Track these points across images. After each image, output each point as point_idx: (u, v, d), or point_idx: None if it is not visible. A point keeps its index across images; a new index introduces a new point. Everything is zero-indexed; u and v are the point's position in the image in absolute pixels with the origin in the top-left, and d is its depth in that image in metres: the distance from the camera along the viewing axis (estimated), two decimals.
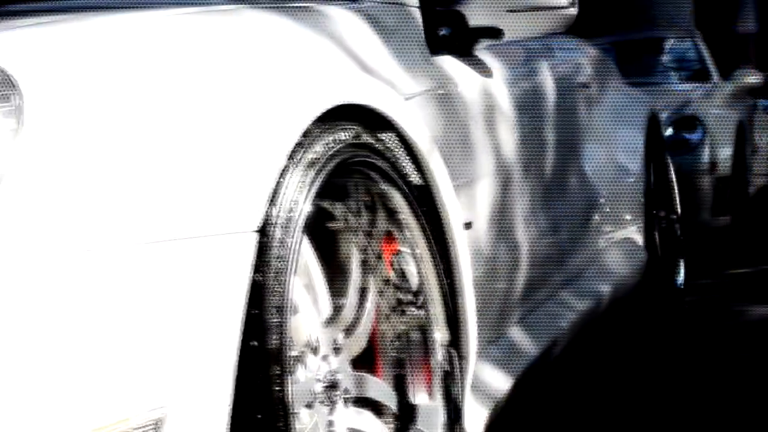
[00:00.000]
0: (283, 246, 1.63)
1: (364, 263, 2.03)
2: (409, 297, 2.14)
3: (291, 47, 1.92)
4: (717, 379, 3.30)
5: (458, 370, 2.16)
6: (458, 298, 2.20)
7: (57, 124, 1.44)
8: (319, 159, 1.75)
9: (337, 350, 1.91)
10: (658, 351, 3.67)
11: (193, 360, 1.48)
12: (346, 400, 1.92)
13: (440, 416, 2.14)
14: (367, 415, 1.99)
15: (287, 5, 2.21)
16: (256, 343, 1.57)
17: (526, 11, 2.75)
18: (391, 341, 2.13)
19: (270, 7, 2.09)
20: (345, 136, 1.85)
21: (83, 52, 1.56)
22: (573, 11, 2.78)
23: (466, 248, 2.23)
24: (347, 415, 1.93)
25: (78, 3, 2.33)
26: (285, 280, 1.62)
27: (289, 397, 1.60)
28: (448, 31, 2.64)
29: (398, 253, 2.12)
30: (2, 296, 1.33)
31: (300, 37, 1.99)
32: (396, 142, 2.05)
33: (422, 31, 2.56)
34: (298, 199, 1.68)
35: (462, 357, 2.20)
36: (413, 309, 2.15)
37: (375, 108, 1.94)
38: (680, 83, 6.89)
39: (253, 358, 1.56)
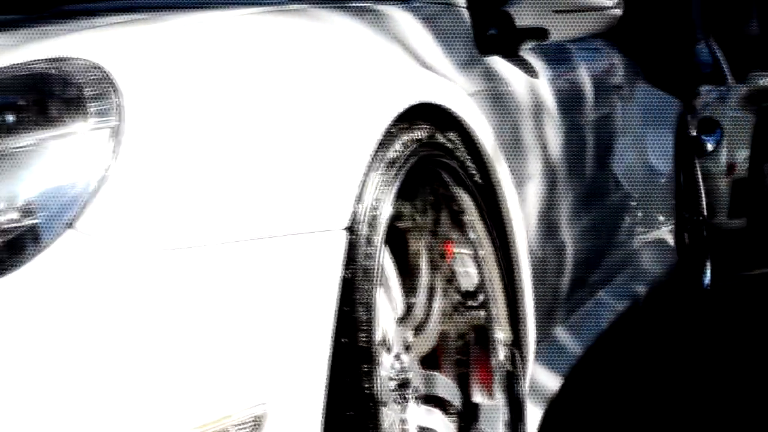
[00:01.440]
0: (370, 243, 1.64)
1: (431, 262, 2.03)
2: (467, 298, 2.15)
3: (364, 46, 1.92)
4: (754, 379, 3.31)
5: (521, 370, 2.16)
6: (519, 299, 2.20)
7: (154, 122, 1.44)
8: (398, 158, 1.76)
9: (407, 348, 1.92)
10: (693, 352, 3.68)
11: (288, 357, 1.49)
12: (416, 399, 1.93)
13: (501, 416, 2.14)
14: (437, 414, 1.99)
15: (348, 5, 2.21)
16: (346, 340, 1.57)
17: (573, 12, 2.75)
18: (453, 340, 2.14)
19: (335, 7, 2.09)
20: (421, 135, 1.85)
21: (176, 51, 1.56)
22: (618, 12, 2.78)
23: (526, 249, 2.24)
24: (418, 413, 1.93)
25: (139, 2, 2.33)
26: (372, 277, 1.62)
27: (378, 393, 1.60)
28: (495, 32, 2.65)
29: (454, 254, 2.13)
30: (105, 296, 1.33)
31: (370, 36, 2.00)
32: (459, 141, 2.06)
33: (471, 32, 2.56)
34: (381, 197, 1.69)
35: (523, 357, 2.20)
36: (471, 309, 2.15)
37: (447, 107, 1.94)
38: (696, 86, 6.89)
39: (343, 355, 1.57)
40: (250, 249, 1.47)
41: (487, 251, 2.10)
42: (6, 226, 1.31)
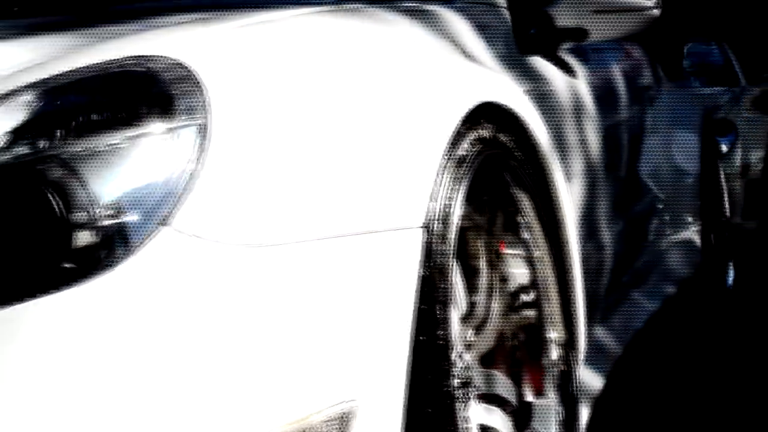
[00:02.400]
0: (444, 242, 1.64)
1: (489, 262, 2.04)
2: (517, 298, 2.15)
3: (426, 45, 1.93)
4: None
5: (574, 369, 2.17)
6: (571, 299, 2.21)
7: (238, 120, 1.44)
8: (467, 157, 1.76)
9: (468, 347, 1.92)
10: (718, 350, 3.69)
11: (372, 354, 1.49)
12: (476, 397, 1.93)
13: (554, 414, 2.15)
14: (496, 412, 2.00)
15: (397, 5, 2.21)
16: (424, 338, 1.57)
17: (612, 12, 2.76)
18: (507, 340, 2.14)
19: (388, 7, 2.09)
20: (485, 134, 1.86)
21: (255, 49, 1.56)
22: (657, 12, 2.79)
23: (578, 249, 2.24)
24: (478, 411, 1.93)
25: (186, 2, 2.33)
26: (447, 275, 1.63)
27: (455, 391, 1.61)
28: (535, 32, 2.65)
29: (504, 254, 2.13)
30: (200, 293, 1.33)
31: (428, 35, 2.00)
32: (516, 141, 2.06)
33: (512, 31, 2.57)
34: (453, 195, 1.69)
35: (576, 356, 2.21)
36: (521, 309, 2.16)
37: (509, 107, 1.95)
38: (710, 87, 6.91)
39: (422, 353, 1.57)
40: (333, 246, 1.47)
41: (542, 252, 2.10)
42: (101, 223, 1.31)
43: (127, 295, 1.28)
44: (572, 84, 2.75)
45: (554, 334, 2.15)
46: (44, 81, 1.41)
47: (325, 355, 1.42)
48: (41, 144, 1.33)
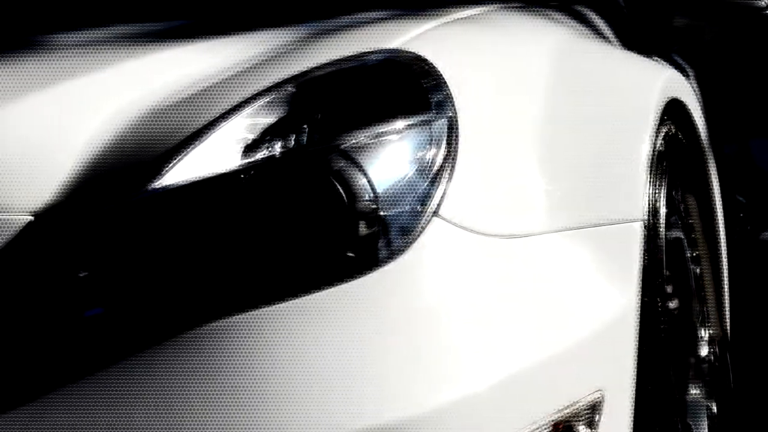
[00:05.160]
0: (657, 235, 1.66)
1: None
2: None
3: (605, 41, 1.95)
4: None
5: (729, 365, 2.19)
6: (723, 296, 2.23)
7: (477, 115, 1.46)
8: (663, 152, 1.78)
9: None
10: None
11: (607, 345, 1.50)
12: None
13: (705, 410, 2.16)
14: None
15: (550, 3, 2.22)
16: (646, 329, 1.59)
17: (725, 12, 2.78)
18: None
19: (554, 6, 2.11)
20: (672, 131, 1.88)
21: (478, 45, 1.58)
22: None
23: (725, 247, 2.26)
24: None
25: None
26: (662, 268, 1.64)
27: (677, 381, 1.62)
28: (650, 32, 2.67)
29: None
30: (462, 283, 1.34)
31: (593, 33, 2.03)
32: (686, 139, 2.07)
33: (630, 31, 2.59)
34: (659, 190, 1.71)
35: (728, 352, 2.23)
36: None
37: (686, 103, 1.97)
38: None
39: (645, 344, 1.58)
40: (569, 238, 1.48)
41: (702, 251, 2.12)
42: (380, 213, 1.32)
43: (408, 285, 1.29)
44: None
45: (708, 330, 2.17)
46: (298, 76, 1.41)
47: (575, 344, 1.43)
48: (315, 137, 1.34)
